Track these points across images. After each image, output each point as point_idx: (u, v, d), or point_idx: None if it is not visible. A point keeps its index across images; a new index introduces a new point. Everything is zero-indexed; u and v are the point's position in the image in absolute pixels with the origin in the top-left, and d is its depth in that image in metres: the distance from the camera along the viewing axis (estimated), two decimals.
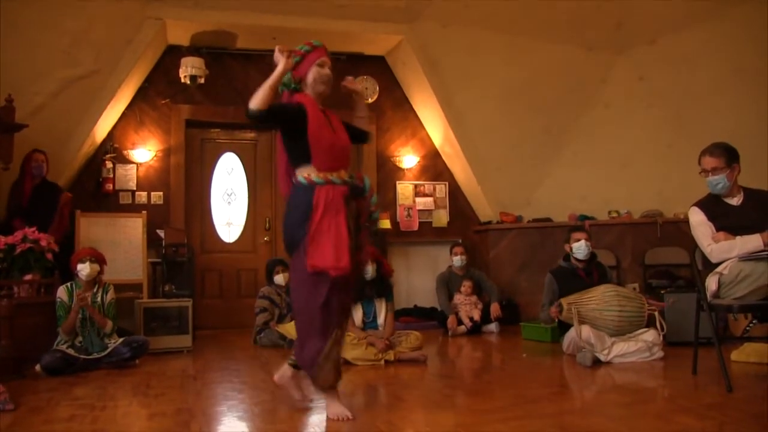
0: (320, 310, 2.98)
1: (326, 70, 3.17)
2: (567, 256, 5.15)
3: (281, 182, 3.26)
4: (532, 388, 3.71)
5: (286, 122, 3.08)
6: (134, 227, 6.35)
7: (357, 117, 3.41)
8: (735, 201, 3.81)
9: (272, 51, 3.09)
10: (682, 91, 6.97)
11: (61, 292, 4.71)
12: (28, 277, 4.83)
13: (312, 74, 3.15)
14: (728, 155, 3.76)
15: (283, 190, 3.25)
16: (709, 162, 3.78)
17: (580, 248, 5.01)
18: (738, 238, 3.57)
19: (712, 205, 3.81)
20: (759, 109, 6.43)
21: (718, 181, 3.78)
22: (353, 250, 3.01)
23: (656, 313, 4.61)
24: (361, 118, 3.43)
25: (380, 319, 4.94)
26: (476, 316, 6.36)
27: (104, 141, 6.83)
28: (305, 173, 3.05)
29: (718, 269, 3.59)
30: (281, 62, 3.05)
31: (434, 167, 7.86)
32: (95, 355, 4.62)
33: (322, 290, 2.96)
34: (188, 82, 6.76)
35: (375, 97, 7.60)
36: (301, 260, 2.97)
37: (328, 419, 3.01)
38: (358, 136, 3.39)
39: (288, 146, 3.13)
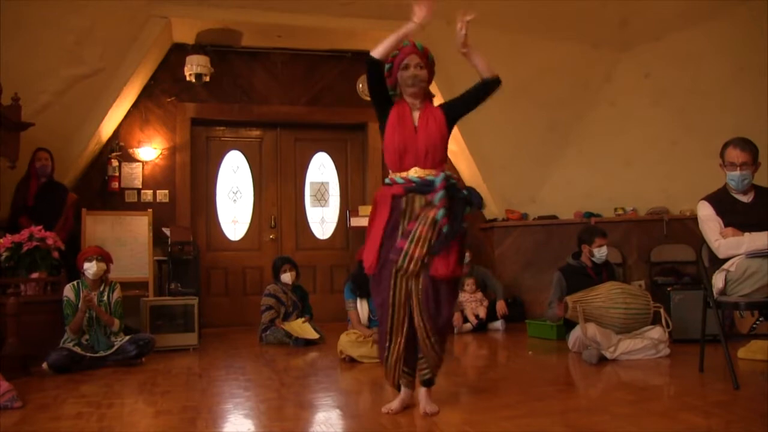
0: (381, 306, 3.06)
1: (409, 72, 3.12)
2: (576, 255, 5.13)
3: None
4: (538, 386, 3.71)
5: (376, 94, 3.15)
6: (140, 225, 6.37)
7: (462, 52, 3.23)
8: (746, 198, 3.74)
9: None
10: (687, 88, 6.94)
11: (68, 291, 4.73)
12: (34, 275, 4.85)
13: (399, 79, 3.17)
14: (755, 152, 3.69)
15: None
16: (741, 156, 3.66)
17: (602, 253, 5.01)
18: (746, 234, 3.52)
19: (721, 201, 3.74)
20: (764, 106, 6.40)
21: (746, 177, 3.68)
22: (390, 249, 2.98)
23: (662, 310, 4.61)
24: (466, 54, 3.26)
25: None
26: (482, 313, 6.36)
27: (110, 139, 6.86)
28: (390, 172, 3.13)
29: (725, 266, 3.56)
30: (416, 16, 3.08)
31: None
32: (101, 353, 4.64)
33: (385, 287, 3.02)
34: (193, 80, 6.75)
35: None
36: None
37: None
38: (474, 96, 3.26)
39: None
